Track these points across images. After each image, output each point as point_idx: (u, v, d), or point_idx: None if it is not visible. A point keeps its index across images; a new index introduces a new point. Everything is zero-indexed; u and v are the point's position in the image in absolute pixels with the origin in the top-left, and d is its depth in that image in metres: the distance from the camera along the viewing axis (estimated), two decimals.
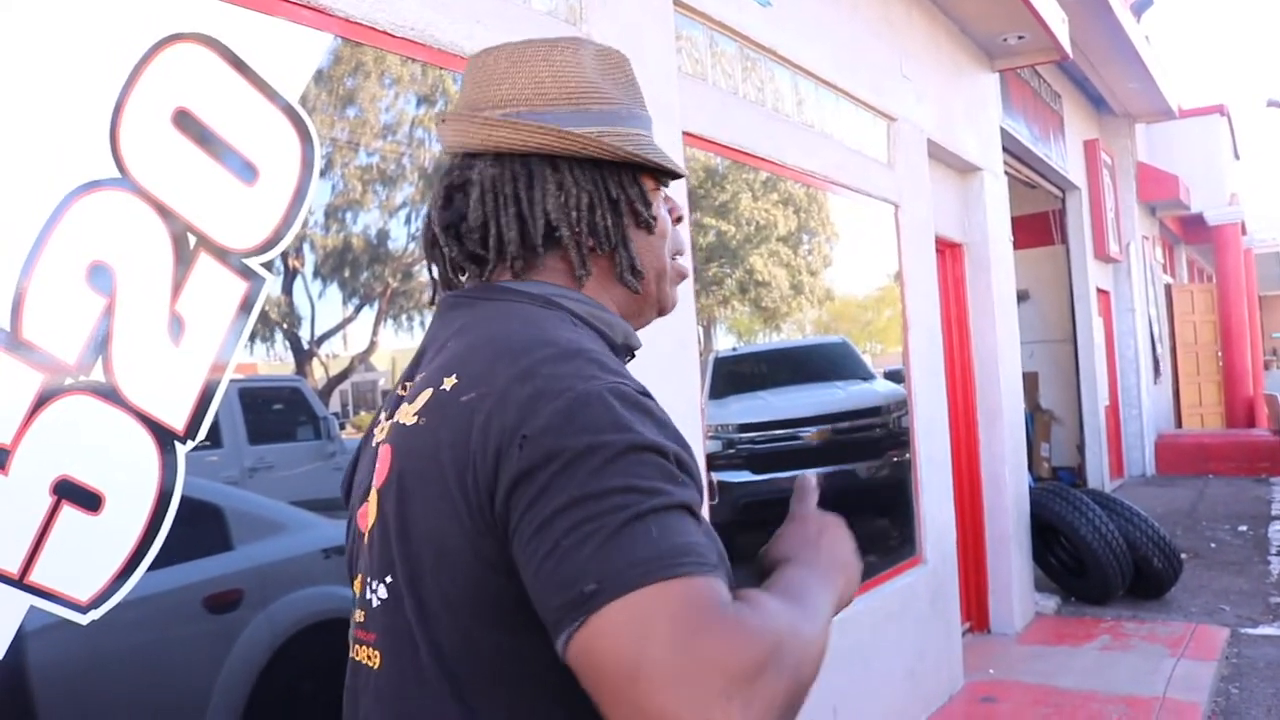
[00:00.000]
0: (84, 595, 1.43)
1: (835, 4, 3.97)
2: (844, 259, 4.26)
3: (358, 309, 2.01)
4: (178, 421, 1.55)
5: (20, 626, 1.36)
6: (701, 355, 3.15)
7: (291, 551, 1.91)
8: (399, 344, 2.11)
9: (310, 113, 1.80)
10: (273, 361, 1.83)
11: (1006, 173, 6.23)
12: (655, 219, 1.03)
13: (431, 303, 1.12)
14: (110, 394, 1.47)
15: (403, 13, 1.99)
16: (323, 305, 1.92)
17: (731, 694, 0.67)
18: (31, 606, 1.36)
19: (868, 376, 4.49)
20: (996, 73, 5.98)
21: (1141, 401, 11.05)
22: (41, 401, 1.39)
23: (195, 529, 1.65)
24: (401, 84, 2.12)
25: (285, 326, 1.85)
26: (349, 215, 1.99)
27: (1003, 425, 5.54)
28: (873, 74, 4.25)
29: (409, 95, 2.14)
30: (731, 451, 3.78)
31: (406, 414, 0.91)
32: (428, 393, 0.90)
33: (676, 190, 2.55)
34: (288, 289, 1.84)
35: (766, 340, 3.97)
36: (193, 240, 1.58)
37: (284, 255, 1.78)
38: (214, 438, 1.64)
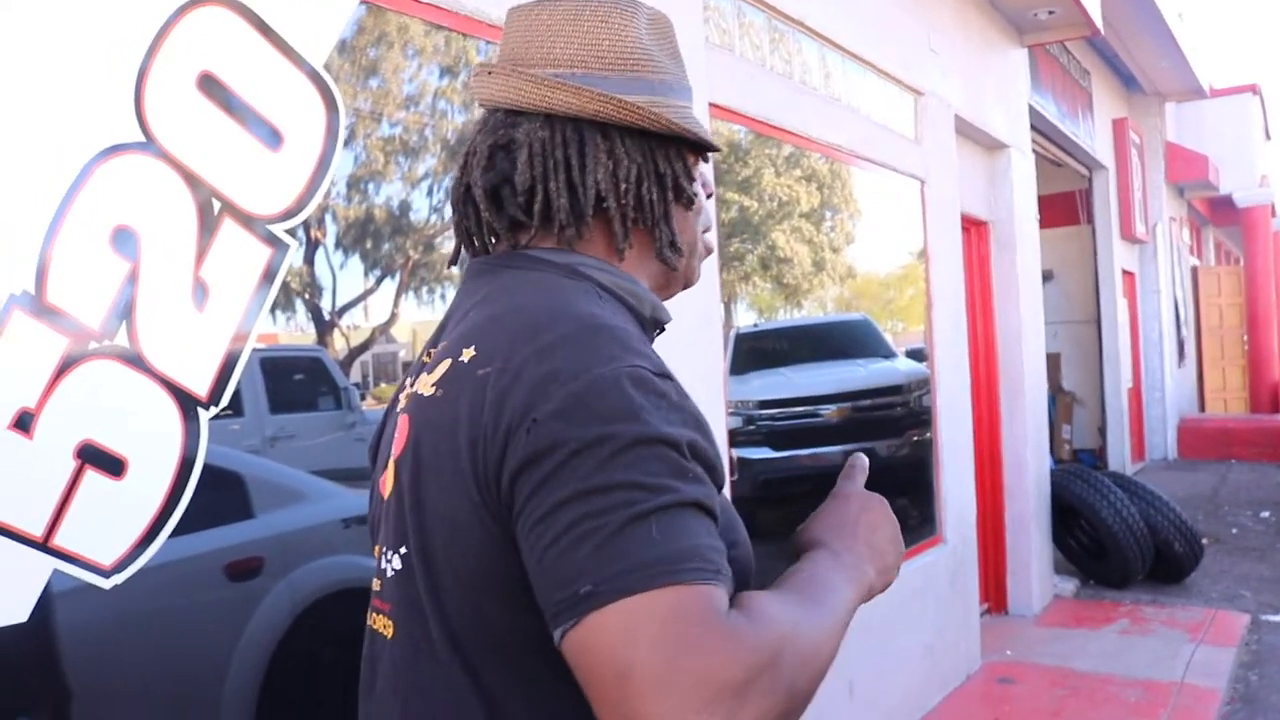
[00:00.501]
0: (107, 560, 1.43)
1: None
2: (867, 236, 4.22)
3: (379, 280, 2.01)
4: (201, 388, 1.55)
5: (45, 590, 1.36)
6: (723, 331, 3.13)
7: (312, 520, 1.91)
8: (420, 316, 2.10)
9: (336, 82, 1.79)
10: (294, 332, 1.83)
11: (1034, 150, 6.15)
12: (697, 196, 1.01)
13: (452, 264, 1.10)
14: (134, 359, 1.47)
15: None
16: (344, 276, 1.91)
17: (715, 707, 0.66)
18: (55, 570, 1.37)
19: (889, 354, 4.46)
20: (1025, 48, 5.89)
21: (1165, 384, 10.96)
22: (66, 366, 1.39)
23: (217, 496, 1.66)
24: (425, 55, 2.09)
25: (307, 297, 1.84)
26: (371, 186, 1.98)
27: (1025, 406, 5.50)
28: (900, 47, 4.19)
29: (432, 66, 2.12)
30: (751, 428, 3.77)
31: (425, 384, 0.90)
32: (446, 363, 0.89)
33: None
34: (310, 259, 1.83)
35: (787, 317, 3.95)
36: (217, 206, 1.57)
37: (306, 226, 1.77)
38: (236, 407, 1.64)
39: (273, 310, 1.71)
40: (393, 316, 2.05)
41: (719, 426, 2.90)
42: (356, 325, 1.98)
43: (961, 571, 4.53)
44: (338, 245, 1.90)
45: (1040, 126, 6.79)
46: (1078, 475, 5.98)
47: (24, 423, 1.34)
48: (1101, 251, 9.29)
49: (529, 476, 0.76)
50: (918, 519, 4.39)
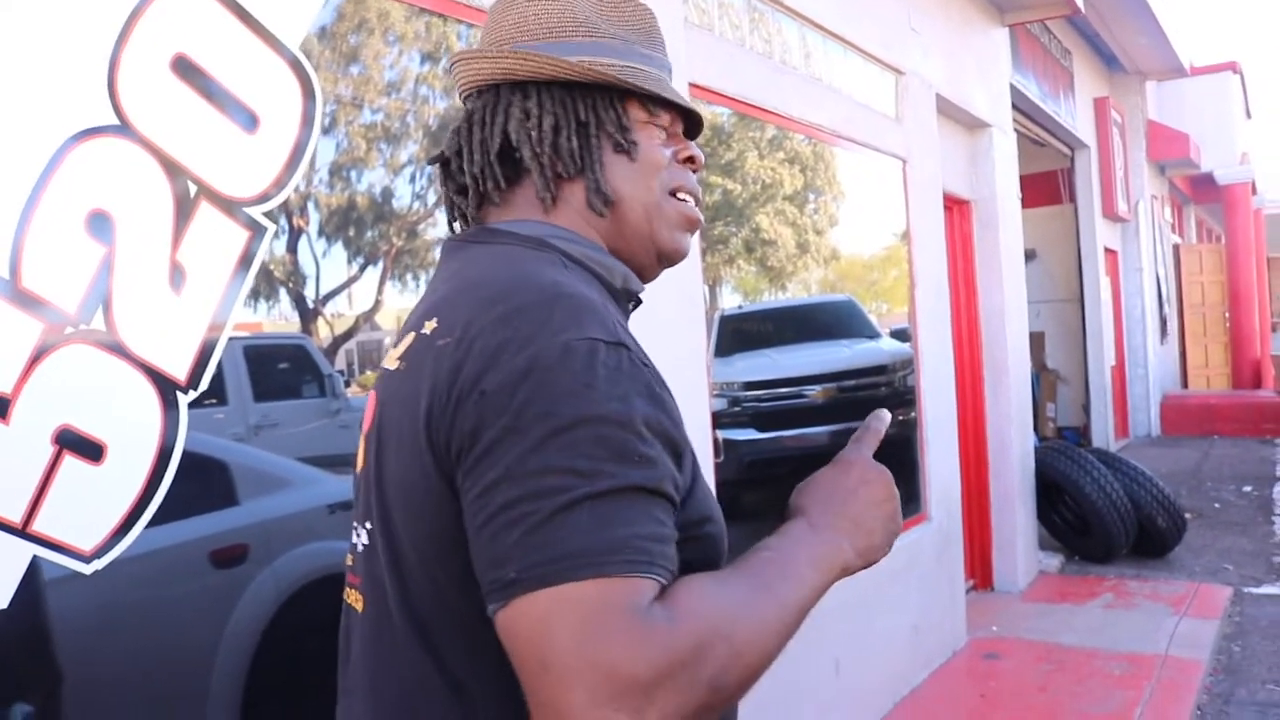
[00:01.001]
0: (87, 545, 1.42)
1: None
2: (850, 218, 4.22)
3: (363, 268, 2.00)
4: (179, 372, 1.54)
5: (25, 576, 1.36)
6: (707, 314, 3.13)
7: (297, 507, 1.91)
8: (404, 303, 2.10)
9: (315, 68, 1.77)
10: (278, 320, 1.82)
11: (1015, 130, 6.16)
12: (635, 144, 0.98)
13: None
14: (111, 344, 1.46)
15: None
16: (328, 264, 1.91)
17: (621, 703, 0.66)
18: (35, 556, 1.36)
19: (873, 335, 4.48)
20: (1006, 27, 5.89)
21: (1148, 362, 11.03)
22: (42, 351, 1.37)
23: (200, 484, 1.65)
24: (405, 40, 2.08)
25: (290, 285, 1.83)
26: (353, 173, 1.97)
27: (1009, 384, 5.53)
28: (881, 27, 4.19)
29: (413, 52, 2.11)
30: (737, 409, 3.78)
31: (391, 359, 0.91)
32: (411, 337, 0.89)
33: None
34: (292, 247, 1.82)
35: (772, 299, 3.95)
36: (193, 189, 1.56)
37: (288, 214, 1.76)
38: (219, 395, 1.64)
39: (256, 299, 1.70)
40: (376, 304, 2.04)
41: (703, 409, 2.91)
42: (340, 313, 1.97)
43: (947, 549, 4.55)
44: (321, 233, 1.89)
45: (1022, 106, 6.80)
46: (1061, 452, 6.02)
47: (0, 408, 1.33)
48: (1084, 230, 9.32)
49: (471, 450, 0.76)
50: (903, 497, 4.36)
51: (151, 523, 1.50)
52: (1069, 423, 9.46)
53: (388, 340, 2.08)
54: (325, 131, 1.83)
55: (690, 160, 1.04)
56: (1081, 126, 8.77)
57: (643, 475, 0.75)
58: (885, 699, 3.89)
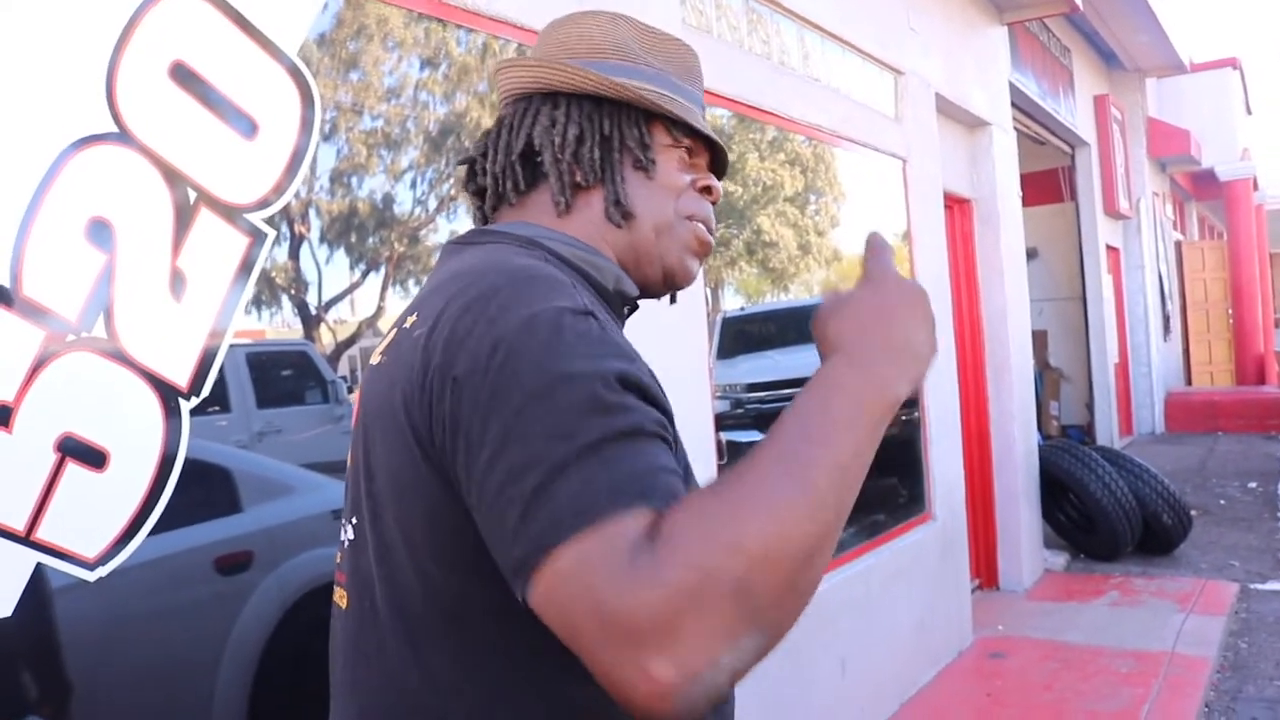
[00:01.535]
0: (91, 553, 1.42)
1: None
2: (851, 218, 4.22)
3: (364, 274, 2.00)
4: (181, 378, 1.54)
5: (30, 584, 1.36)
6: (709, 316, 3.13)
7: (301, 513, 1.91)
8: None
9: (315, 75, 1.78)
10: (280, 327, 1.83)
11: (1015, 128, 6.16)
12: (654, 163, 1.00)
13: None
14: (112, 351, 1.46)
15: None
16: (330, 270, 1.91)
17: (644, 651, 0.62)
18: (39, 563, 1.36)
19: None
20: (1005, 26, 5.89)
21: (1151, 359, 11.01)
22: (44, 359, 1.38)
23: (203, 491, 1.65)
24: (404, 46, 2.08)
25: (292, 291, 1.84)
26: (354, 179, 1.97)
27: (1011, 383, 5.52)
28: (879, 27, 4.19)
29: (412, 58, 2.11)
30: (740, 411, 3.78)
31: (376, 354, 0.93)
32: (393, 332, 0.91)
33: None
34: (294, 254, 1.82)
35: (774, 300, 3.95)
36: (193, 195, 1.56)
37: (289, 220, 1.77)
38: (223, 402, 1.64)
39: (258, 305, 1.70)
40: (378, 309, 2.04)
41: (705, 411, 2.91)
42: (342, 319, 1.98)
43: (951, 548, 4.55)
44: (322, 239, 1.89)
45: (1021, 104, 6.80)
46: (1065, 450, 6.00)
47: (2, 417, 1.33)
48: (1085, 228, 9.31)
49: (456, 441, 0.76)
50: (907, 496, 4.40)
51: (155, 530, 1.51)
52: (1073, 421, 9.45)
53: None
54: (325, 137, 1.83)
55: (707, 190, 1.06)
56: (1081, 124, 8.77)
57: (623, 421, 0.72)
58: (892, 699, 3.88)
